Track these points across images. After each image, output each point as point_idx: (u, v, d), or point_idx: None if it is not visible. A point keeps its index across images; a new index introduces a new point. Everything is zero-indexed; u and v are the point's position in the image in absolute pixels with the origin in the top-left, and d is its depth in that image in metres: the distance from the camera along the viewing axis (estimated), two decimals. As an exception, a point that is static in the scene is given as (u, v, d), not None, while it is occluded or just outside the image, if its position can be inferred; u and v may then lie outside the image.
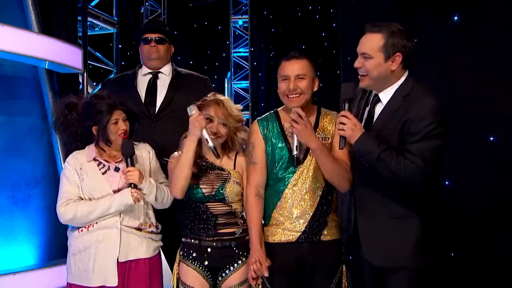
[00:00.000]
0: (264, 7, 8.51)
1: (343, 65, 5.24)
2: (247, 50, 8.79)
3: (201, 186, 2.65)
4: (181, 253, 2.72)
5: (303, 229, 2.57)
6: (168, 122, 3.16)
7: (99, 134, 2.66)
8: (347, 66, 5.04)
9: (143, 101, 3.23)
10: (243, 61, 8.91)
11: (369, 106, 2.51)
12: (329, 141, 2.61)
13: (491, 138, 3.72)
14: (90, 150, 2.71)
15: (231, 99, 2.84)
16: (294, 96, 2.55)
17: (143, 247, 2.67)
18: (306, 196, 2.58)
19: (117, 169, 2.69)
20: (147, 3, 8.62)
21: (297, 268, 2.58)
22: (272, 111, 2.74)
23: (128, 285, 2.63)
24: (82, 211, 2.59)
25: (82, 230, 2.64)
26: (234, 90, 8.98)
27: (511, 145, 3.64)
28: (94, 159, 2.69)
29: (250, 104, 8.66)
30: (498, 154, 3.67)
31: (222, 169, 2.68)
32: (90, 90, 5.51)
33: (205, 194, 2.64)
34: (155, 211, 2.77)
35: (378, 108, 2.47)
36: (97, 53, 6.44)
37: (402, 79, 2.43)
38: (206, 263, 2.65)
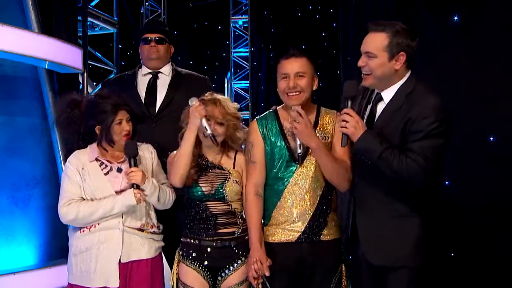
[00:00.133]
0: (264, 7, 8.49)
1: (343, 65, 5.24)
2: (247, 50, 8.77)
3: (200, 185, 2.64)
4: (180, 253, 2.72)
5: (303, 229, 2.56)
6: (168, 122, 3.15)
7: (102, 134, 2.63)
8: (347, 66, 5.05)
9: (143, 101, 3.23)
10: (243, 61, 8.90)
11: (371, 104, 2.51)
12: (329, 140, 2.61)
13: (491, 138, 3.73)
14: (92, 149, 2.68)
15: (231, 99, 2.84)
16: (293, 94, 2.55)
17: (145, 247, 2.66)
18: (306, 196, 2.57)
19: (119, 170, 2.66)
20: (147, 3, 8.60)
21: (297, 268, 2.58)
22: (271, 110, 2.73)
23: (130, 286, 2.62)
24: (84, 211, 2.57)
25: (83, 231, 2.62)
26: (234, 90, 8.96)
27: (511, 145, 3.65)
28: (97, 159, 2.66)
29: (250, 104, 8.64)
30: (498, 154, 3.68)
31: (222, 168, 2.68)
32: (90, 90, 5.51)
33: (205, 192, 2.64)
34: (156, 211, 2.76)
35: (380, 107, 2.46)
36: (97, 53, 6.42)
37: (405, 78, 2.42)
38: (205, 263, 2.65)
